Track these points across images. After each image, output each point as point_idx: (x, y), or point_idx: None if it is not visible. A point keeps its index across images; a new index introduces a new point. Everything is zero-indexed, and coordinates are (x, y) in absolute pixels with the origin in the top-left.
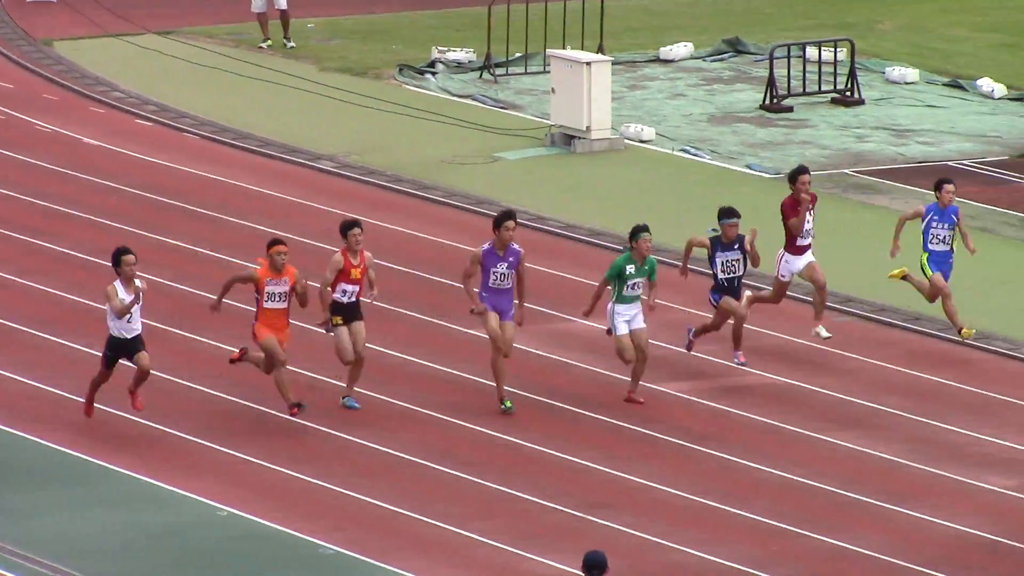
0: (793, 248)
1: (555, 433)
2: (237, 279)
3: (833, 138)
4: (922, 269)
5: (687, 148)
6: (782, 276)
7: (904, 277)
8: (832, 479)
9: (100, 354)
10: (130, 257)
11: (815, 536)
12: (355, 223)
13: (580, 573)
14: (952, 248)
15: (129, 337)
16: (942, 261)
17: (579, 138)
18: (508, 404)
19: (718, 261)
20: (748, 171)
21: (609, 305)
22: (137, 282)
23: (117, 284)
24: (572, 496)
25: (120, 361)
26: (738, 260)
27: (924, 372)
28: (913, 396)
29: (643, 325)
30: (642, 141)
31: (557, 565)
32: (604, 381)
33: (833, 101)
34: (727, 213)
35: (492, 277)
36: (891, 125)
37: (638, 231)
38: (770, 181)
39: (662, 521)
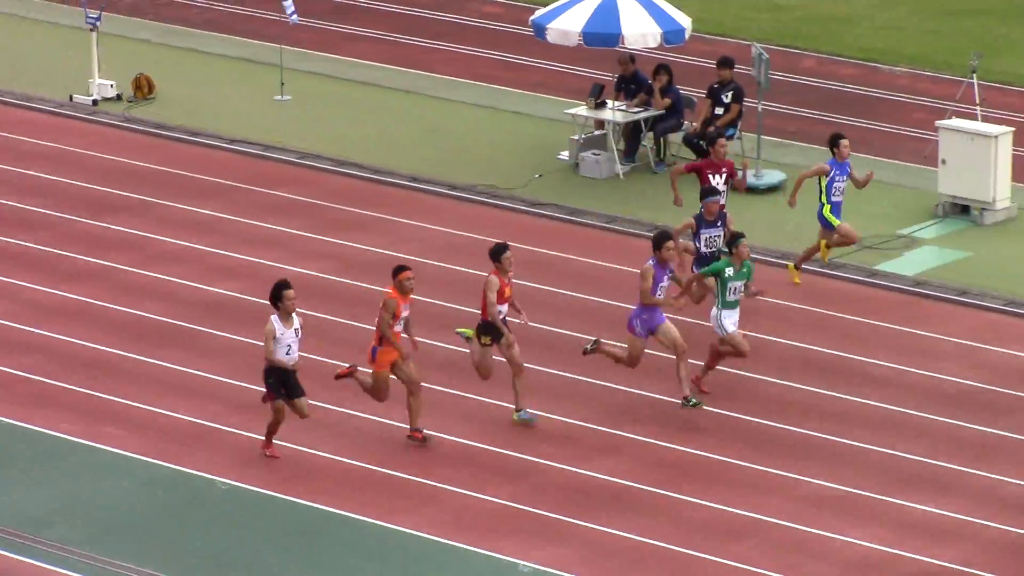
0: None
1: None
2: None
3: None
4: (823, 218)
5: None
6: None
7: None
8: None
9: None
10: (291, 292)
11: None
12: (506, 247)
13: None
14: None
15: (289, 366)
16: (839, 208)
17: None
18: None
19: (702, 236)
20: None
21: (713, 311)
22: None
23: (274, 319)
24: None
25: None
26: (719, 236)
27: None
28: None
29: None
30: None
31: None
32: None
33: None
34: (709, 192)
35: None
36: None
37: (737, 238)
38: None
39: None
